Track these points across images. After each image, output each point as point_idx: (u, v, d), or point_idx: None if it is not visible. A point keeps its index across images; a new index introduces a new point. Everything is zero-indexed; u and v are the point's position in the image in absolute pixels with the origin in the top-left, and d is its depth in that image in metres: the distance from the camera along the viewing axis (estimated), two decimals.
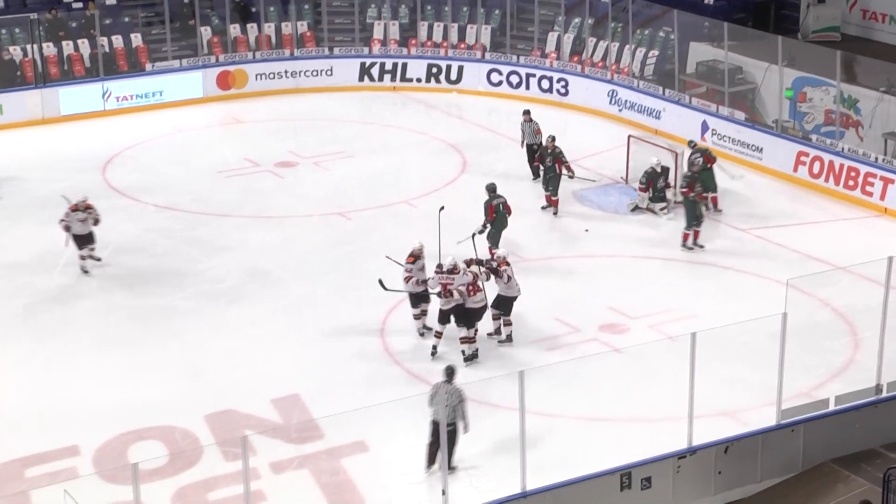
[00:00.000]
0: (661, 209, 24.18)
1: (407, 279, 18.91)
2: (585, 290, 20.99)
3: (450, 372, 15.55)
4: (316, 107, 31.74)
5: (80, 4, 32.19)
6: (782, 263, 21.68)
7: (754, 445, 15.82)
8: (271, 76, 32.78)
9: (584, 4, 31.68)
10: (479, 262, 18.99)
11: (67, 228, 21.37)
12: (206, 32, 32.53)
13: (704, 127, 27.95)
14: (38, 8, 31.35)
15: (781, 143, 26.61)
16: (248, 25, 32.94)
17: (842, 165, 25.31)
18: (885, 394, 16.59)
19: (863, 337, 18.61)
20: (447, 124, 30.49)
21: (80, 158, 27.80)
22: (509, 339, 18.94)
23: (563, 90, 31.53)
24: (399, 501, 15.29)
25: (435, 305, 18.73)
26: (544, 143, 24.65)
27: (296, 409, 17.17)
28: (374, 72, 33.19)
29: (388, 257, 19.69)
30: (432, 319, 18.87)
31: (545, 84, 31.77)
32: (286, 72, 32.92)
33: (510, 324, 18.96)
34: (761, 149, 26.90)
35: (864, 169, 24.94)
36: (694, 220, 22.46)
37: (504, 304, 18.91)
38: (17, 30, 31.09)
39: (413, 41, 33.27)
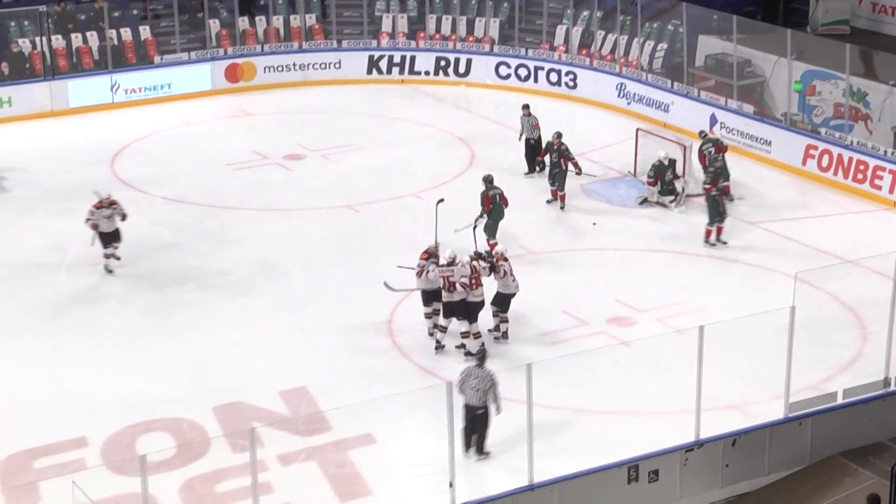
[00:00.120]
0: (671, 202, 24.14)
1: (419, 273, 18.81)
2: (593, 284, 20.96)
3: (481, 356, 15.59)
4: (324, 100, 31.73)
5: None
6: (791, 257, 21.63)
7: (762, 438, 15.80)
8: (279, 69, 32.76)
9: None
10: (480, 256, 18.93)
11: (95, 227, 20.94)
12: (214, 25, 32.52)
13: (713, 120, 27.90)
14: (47, 1, 31.33)
15: (790, 136, 26.57)
16: (257, 18, 32.94)
17: (851, 159, 25.25)
18: (893, 387, 16.59)
19: (871, 330, 18.59)
20: (455, 117, 30.45)
21: (88, 151, 27.84)
22: (505, 336, 18.79)
23: (571, 83, 31.49)
24: (406, 494, 15.29)
25: None
26: (550, 140, 24.48)
27: (303, 402, 17.17)
28: (383, 65, 33.18)
29: (399, 266, 19.56)
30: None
31: (553, 77, 31.73)
32: (294, 64, 32.91)
33: (506, 321, 18.84)
34: (770, 142, 26.85)
35: (872, 162, 24.89)
36: (717, 216, 22.27)
37: (502, 302, 18.79)
38: (26, 22, 31.10)
39: (421, 34, 33.24)
